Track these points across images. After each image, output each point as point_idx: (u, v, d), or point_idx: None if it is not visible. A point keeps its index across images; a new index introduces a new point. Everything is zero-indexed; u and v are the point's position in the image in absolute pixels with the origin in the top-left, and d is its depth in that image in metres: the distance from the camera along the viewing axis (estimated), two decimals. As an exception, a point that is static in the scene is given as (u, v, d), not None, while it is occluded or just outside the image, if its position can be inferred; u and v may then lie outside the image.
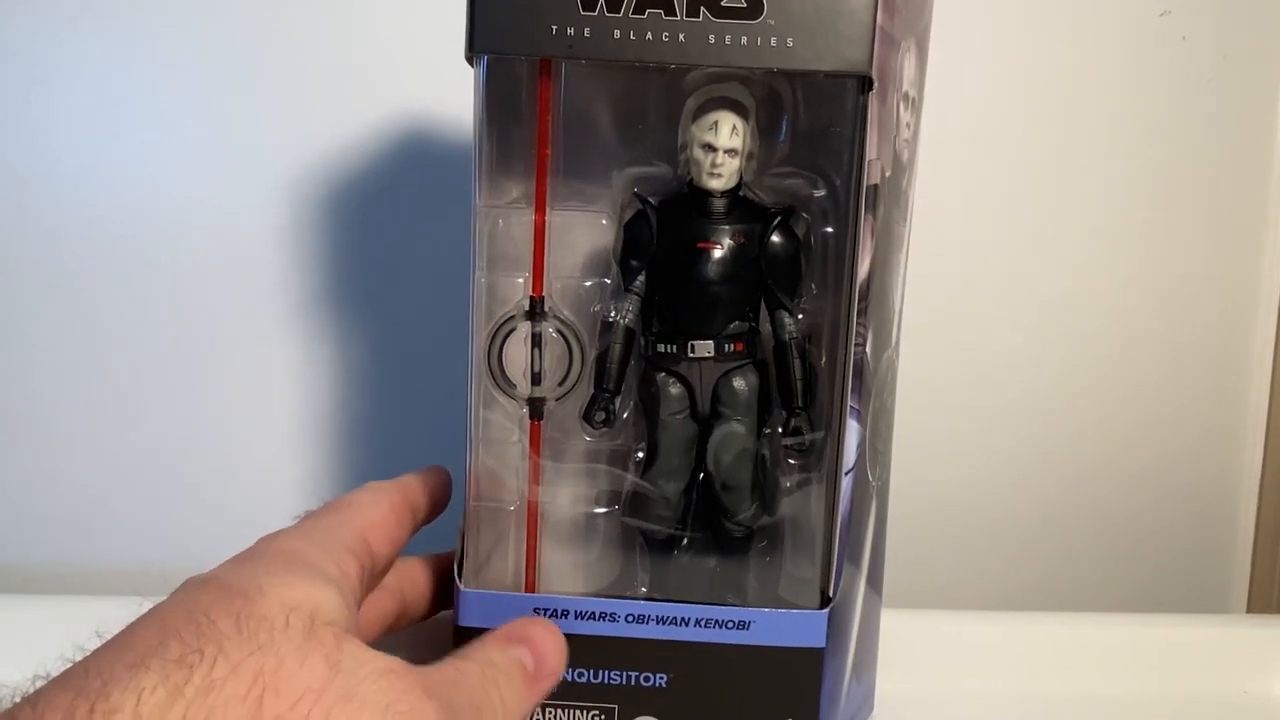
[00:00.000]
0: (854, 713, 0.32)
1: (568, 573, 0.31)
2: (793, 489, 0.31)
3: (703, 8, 0.25)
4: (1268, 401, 0.51)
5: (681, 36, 0.25)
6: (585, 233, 0.30)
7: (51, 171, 0.44)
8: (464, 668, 0.23)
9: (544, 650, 0.25)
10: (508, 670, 0.24)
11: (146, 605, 0.22)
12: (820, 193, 0.29)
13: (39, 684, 0.19)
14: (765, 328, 0.30)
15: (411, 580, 0.30)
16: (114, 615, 0.21)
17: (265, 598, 0.21)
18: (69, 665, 0.20)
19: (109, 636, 0.21)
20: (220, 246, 0.45)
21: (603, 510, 0.31)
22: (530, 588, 0.30)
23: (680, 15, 0.25)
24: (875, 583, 0.32)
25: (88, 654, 0.20)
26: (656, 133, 0.29)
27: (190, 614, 0.21)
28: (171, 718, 0.18)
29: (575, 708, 0.28)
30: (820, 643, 0.28)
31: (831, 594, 0.28)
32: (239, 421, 0.46)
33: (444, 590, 0.31)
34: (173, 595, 0.22)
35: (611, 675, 0.28)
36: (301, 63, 0.44)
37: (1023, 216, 0.49)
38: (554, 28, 0.25)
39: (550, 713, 0.28)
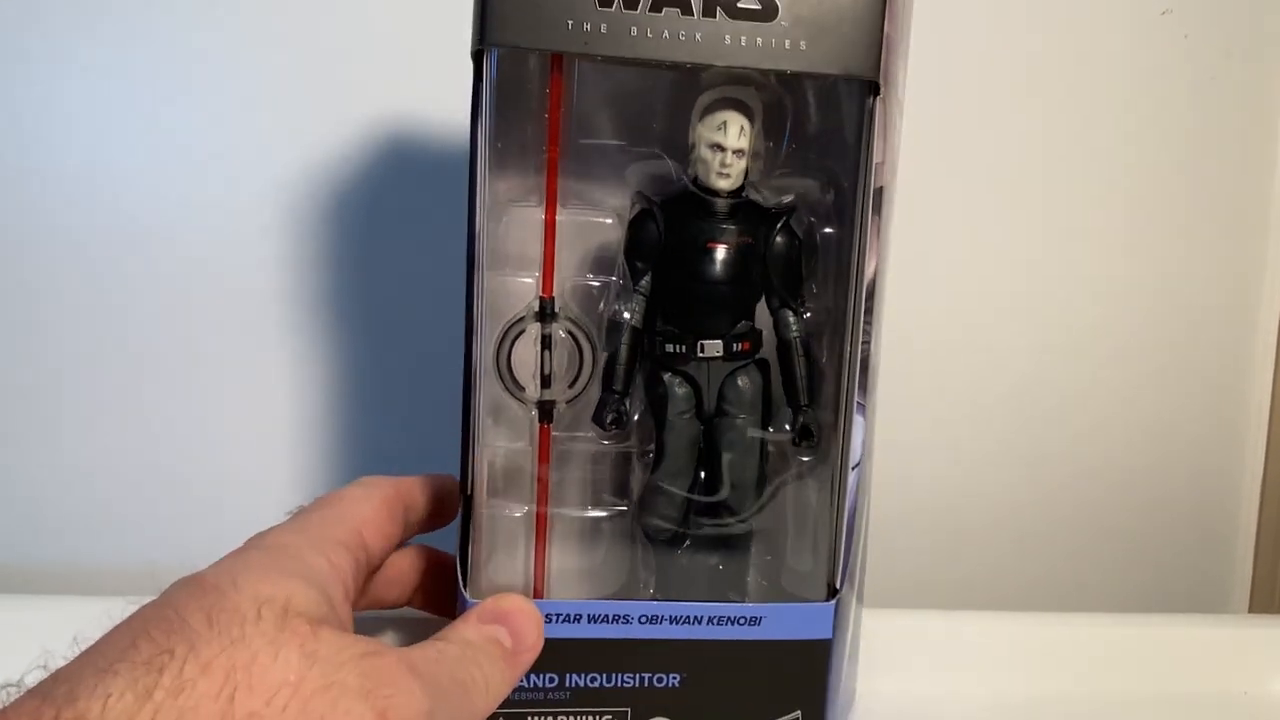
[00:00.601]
0: (845, 704, 0.33)
1: (574, 579, 0.32)
2: (793, 484, 0.32)
3: (719, 8, 0.26)
4: (1269, 400, 0.53)
5: (697, 35, 0.26)
6: (589, 232, 0.31)
7: (50, 174, 0.45)
8: (444, 648, 0.24)
9: (521, 627, 0.26)
10: (487, 649, 0.25)
11: (133, 606, 0.22)
12: (828, 195, 0.31)
13: (10, 692, 0.20)
14: (764, 326, 0.32)
15: (391, 567, 0.31)
16: (100, 617, 0.22)
17: (239, 592, 0.22)
18: (45, 673, 0.20)
19: (87, 641, 0.21)
20: (218, 248, 0.46)
21: (607, 513, 0.33)
22: (539, 594, 0.31)
23: (697, 15, 0.26)
24: (858, 577, 0.34)
25: (67, 660, 0.21)
26: (664, 130, 0.30)
27: (162, 612, 0.21)
28: None
29: (588, 713, 0.29)
30: (828, 634, 0.29)
31: (838, 586, 0.30)
32: (237, 422, 0.47)
33: (431, 586, 0.32)
34: (157, 597, 0.23)
35: (625, 678, 0.29)
36: (299, 65, 0.45)
37: (1022, 215, 0.51)
38: (569, 22, 0.26)
39: (564, 718, 0.29)
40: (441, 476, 0.31)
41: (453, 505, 0.31)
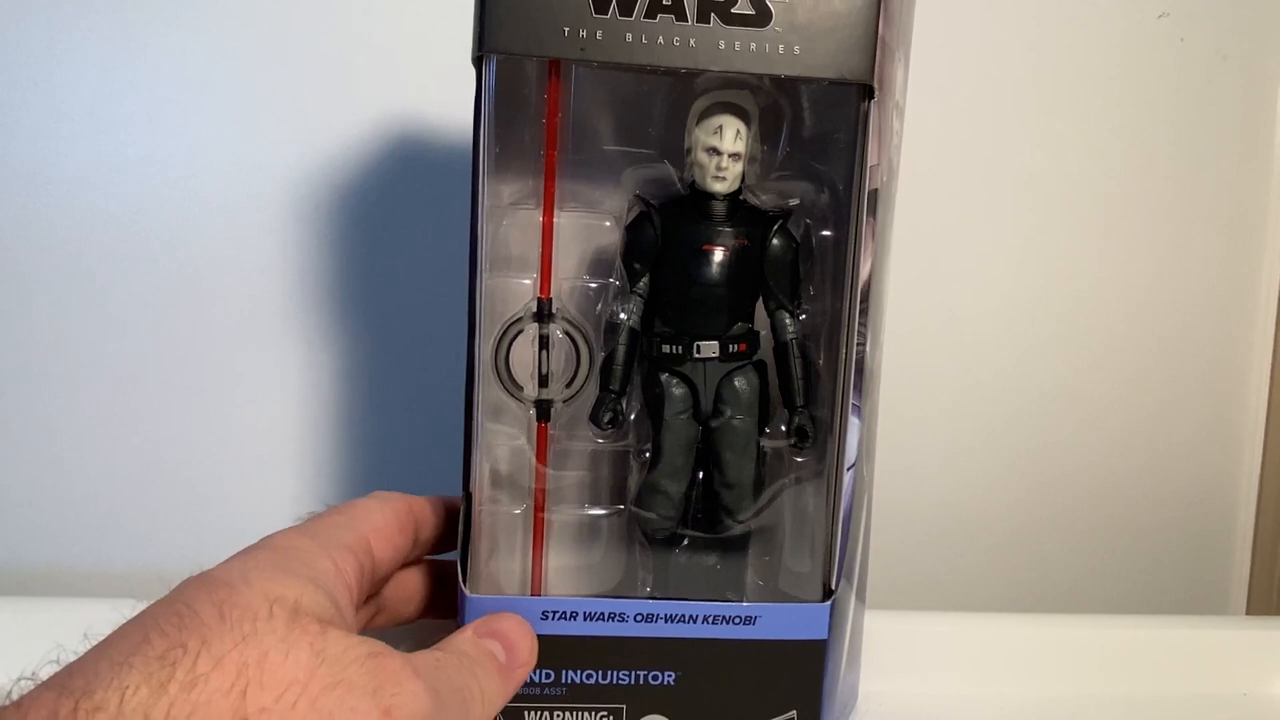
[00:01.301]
0: (844, 704, 0.34)
1: (571, 576, 0.32)
2: (790, 485, 0.33)
3: (713, 13, 0.26)
4: (1266, 401, 0.53)
5: (692, 41, 0.27)
6: (587, 234, 0.32)
7: (52, 174, 0.46)
8: (442, 657, 0.25)
9: (515, 643, 0.27)
10: (483, 662, 0.26)
11: (141, 607, 0.22)
12: (823, 198, 0.31)
13: (24, 685, 0.20)
14: (762, 328, 0.32)
15: (405, 586, 0.31)
16: (108, 617, 0.22)
17: (250, 588, 0.22)
18: (57, 667, 0.21)
19: (97, 638, 0.22)
20: (220, 248, 0.47)
21: (605, 512, 0.33)
22: (536, 591, 0.31)
23: (691, 20, 0.26)
24: (856, 577, 0.34)
25: (78, 655, 0.21)
26: (661, 134, 0.31)
27: (173, 607, 0.22)
28: (155, 715, 0.19)
29: (584, 709, 0.30)
30: (823, 634, 0.30)
31: (834, 587, 0.30)
32: (239, 423, 0.48)
33: (435, 595, 0.32)
34: (168, 593, 0.23)
35: (620, 675, 0.30)
36: (303, 64, 0.46)
37: (1019, 216, 0.51)
38: (566, 29, 0.26)
39: (559, 715, 0.30)
40: (456, 499, 0.32)
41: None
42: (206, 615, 0.21)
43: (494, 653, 0.27)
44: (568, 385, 0.31)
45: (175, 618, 0.21)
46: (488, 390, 0.30)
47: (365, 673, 0.22)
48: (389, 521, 0.29)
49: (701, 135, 0.30)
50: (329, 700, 0.21)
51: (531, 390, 0.31)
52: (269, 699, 0.20)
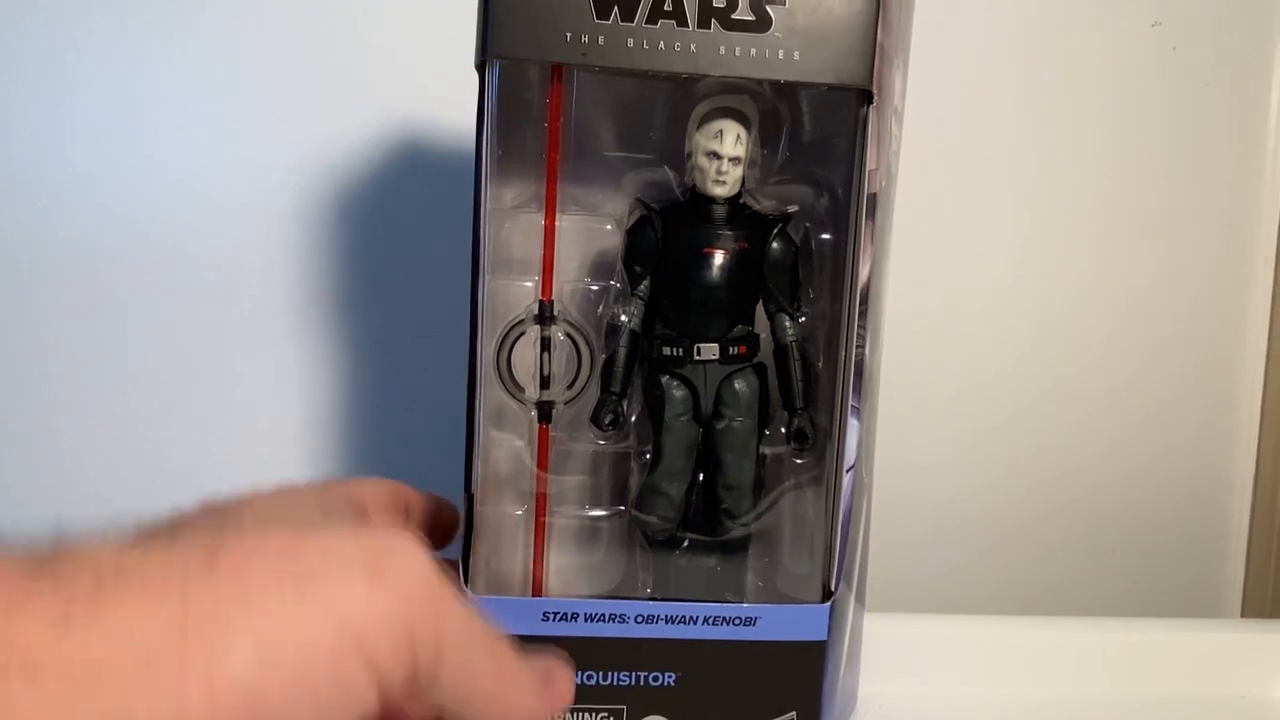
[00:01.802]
0: (844, 706, 0.34)
1: (572, 577, 0.33)
2: (790, 487, 0.33)
3: (714, 19, 0.27)
4: (1260, 405, 0.54)
5: (693, 46, 0.27)
6: (588, 237, 0.32)
7: (55, 177, 0.46)
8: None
9: (556, 675, 0.25)
10: (530, 677, 0.24)
11: None
12: (823, 201, 0.32)
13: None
14: (762, 330, 0.32)
15: None
16: None
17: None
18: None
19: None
20: (221, 250, 0.47)
21: (606, 513, 0.33)
22: (537, 592, 0.31)
23: (692, 26, 0.27)
24: (856, 579, 0.35)
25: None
26: (662, 138, 0.31)
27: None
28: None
29: (584, 710, 0.30)
30: (823, 635, 0.30)
31: (833, 588, 0.30)
32: (240, 424, 0.48)
33: None
34: None
35: (621, 676, 0.30)
36: (305, 67, 0.46)
37: (1016, 221, 0.52)
38: (568, 34, 0.27)
39: (560, 715, 0.30)
40: (446, 501, 0.31)
41: (448, 528, 0.31)
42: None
43: (544, 675, 0.24)
44: (569, 387, 0.31)
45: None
46: (489, 392, 0.31)
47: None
48: (380, 492, 0.29)
49: (702, 140, 0.30)
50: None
51: (533, 392, 0.31)
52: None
